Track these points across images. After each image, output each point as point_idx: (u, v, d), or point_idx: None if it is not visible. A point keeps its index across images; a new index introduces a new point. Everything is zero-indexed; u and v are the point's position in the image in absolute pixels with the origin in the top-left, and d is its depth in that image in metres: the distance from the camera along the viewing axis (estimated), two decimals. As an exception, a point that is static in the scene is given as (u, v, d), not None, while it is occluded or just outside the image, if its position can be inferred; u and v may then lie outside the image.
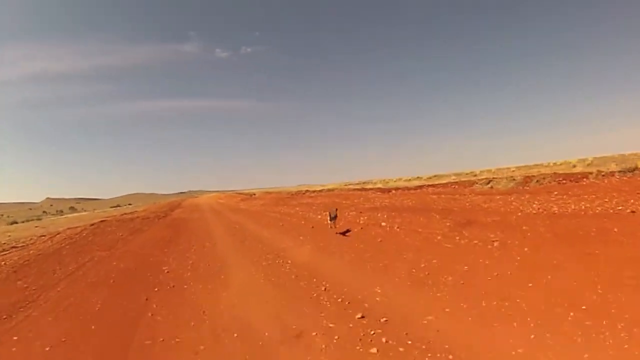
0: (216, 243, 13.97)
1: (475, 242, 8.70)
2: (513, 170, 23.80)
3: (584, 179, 13.53)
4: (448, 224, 10.86)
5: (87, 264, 12.23)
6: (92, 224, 26.72)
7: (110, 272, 10.34)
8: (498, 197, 13.45)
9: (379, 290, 6.95)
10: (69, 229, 25.45)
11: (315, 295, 7.23)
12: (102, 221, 29.04)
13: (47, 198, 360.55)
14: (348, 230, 12.89)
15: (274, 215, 21.43)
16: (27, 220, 69.02)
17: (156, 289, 8.41)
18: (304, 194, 32.89)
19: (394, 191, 19.18)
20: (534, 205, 10.84)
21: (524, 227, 8.80)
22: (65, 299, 8.12)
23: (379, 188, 22.03)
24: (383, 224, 12.56)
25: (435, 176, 31.32)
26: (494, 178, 17.37)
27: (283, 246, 12.05)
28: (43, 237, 21.41)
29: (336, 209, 14.76)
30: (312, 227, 14.75)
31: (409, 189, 19.34)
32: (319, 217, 16.80)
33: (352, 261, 9.34)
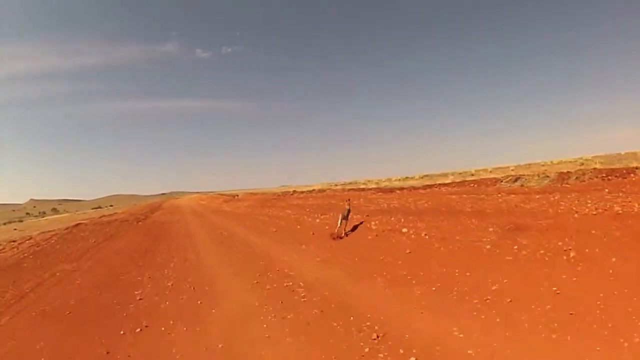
0: (200, 254, 12.07)
1: (541, 252, 6.88)
2: (512, 169, 22.52)
3: (631, 175, 12.01)
4: (491, 229, 9.03)
5: (46, 281, 10.27)
6: (67, 228, 24.62)
7: (69, 297, 8.41)
8: (537, 197, 11.72)
9: (462, 336, 4.94)
10: (42, 233, 23.27)
11: (368, 351, 4.92)
12: (77, 225, 26.92)
13: (31, 199, 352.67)
14: (360, 237, 11.19)
15: (263, 218, 19.60)
16: (9, 222, 66.36)
17: (122, 332, 6.28)
18: (291, 194, 31.04)
19: (398, 191, 17.59)
20: (589, 205, 9.11)
21: (593, 232, 7.09)
22: None
23: (377, 188, 20.37)
24: (404, 230, 10.81)
25: (426, 176, 29.98)
26: (520, 175, 15.81)
27: (285, 259, 10.20)
28: (13, 243, 19.30)
29: (348, 208, 12.91)
30: (313, 233, 12.99)
31: (415, 188, 17.72)
32: (317, 220, 15.06)
33: (390, 283, 7.33)
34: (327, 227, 13.37)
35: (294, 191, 32.61)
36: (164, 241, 15.58)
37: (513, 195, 12.68)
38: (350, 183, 41.27)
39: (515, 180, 15.89)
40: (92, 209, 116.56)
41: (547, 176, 15.34)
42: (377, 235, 11.06)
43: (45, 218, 62.47)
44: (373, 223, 12.43)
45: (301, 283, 7.96)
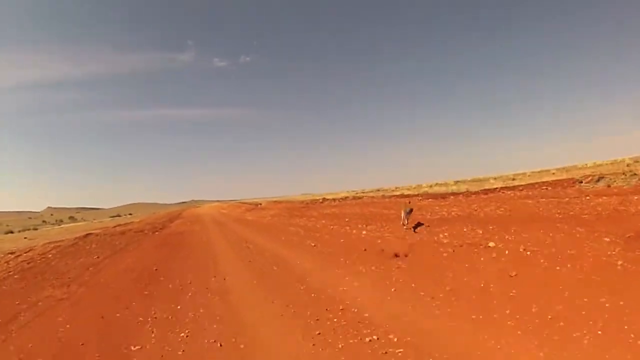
0: (226, 278, 9.19)
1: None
2: (529, 175, 19.28)
3: None
4: (607, 239, 6.63)
5: (19, 316, 7.54)
6: (75, 239, 22.12)
7: (38, 352, 5.65)
8: (636, 198, 8.94)
9: None
10: (45, 244, 20.89)
11: None
12: (87, 235, 24.42)
13: (48, 207, 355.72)
14: (432, 254, 8.33)
15: (295, 230, 16.71)
16: (24, 230, 65.23)
17: None
18: (321, 202, 28.13)
19: (452, 197, 14.57)
20: None
21: None
22: None
23: (427, 193, 17.31)
24: (491, 244, 7.86)
25: (477, 180, 27.04)
26: (603, 175, 12.69)
27: (342, 288, 7.27)
28: (9, 256, 16.88)
29: (410, 206, 12.06)
30: (364, 249, 10.00)
31: (473, 193, 14.62)
32: (363, 232, 12.09)
33: (533, 333, 4.52)
34: (379, 241, 10.53)
35: (324, 199, 29.65)
36: (180, 256, 12.83)
37: (604, 198, 10.01)
38: (378, 190, 38.23)
39: (598, 180, 12.80)
40: (111, 217, 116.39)
41: (635, 174, 12.41)
42: (453, 251, 8.19)
43: (61, 226, 61.31)
44: (442, 235, 9.49)
45: (392, 337, 4.96)
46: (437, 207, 13.40)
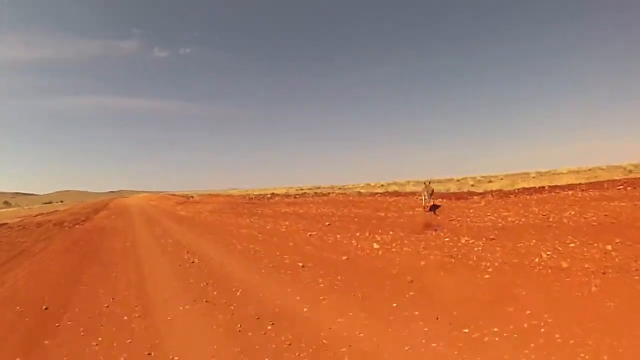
0: (161, 336, 5.37)
1: None
2: (502, 178, 17.61)
3: None
4: None
5: None
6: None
7: None
8: None
9: None
10: None
11: None
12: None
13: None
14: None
15: (250, 233, 13.09)
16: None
17: None
18: (270, 198, 24.41)
19: (476, 197, 11.53)
20: None
21: None
22: None
23: (441, 193, 13.72)
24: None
25: (394, 183, 24.97)
26: None
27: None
28: None
29: (431, 187, 11.67)
30: (411, 280, 6.54)
31: (511, 193, 11.47)
32: (374, 246, 8.91)
33: None
34: (396, 261, 7.63)
35: (273, 194, 26.02)
36: (91, 276, 8.77)
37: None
38: (319, 187, 35.38)
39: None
40: (43, 203, 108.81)
41: None
42: (597, 284, 5.32)
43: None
44: (544, 255, 6.60)
45: None
46: (470, 210, 10.44)
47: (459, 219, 9.90)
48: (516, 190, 11.52)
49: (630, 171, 13.11)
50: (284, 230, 12.72)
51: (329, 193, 18.39)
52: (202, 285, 7.42)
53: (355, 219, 11.99)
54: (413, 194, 13.66)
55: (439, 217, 10.39)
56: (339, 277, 7.13)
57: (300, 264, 8.26)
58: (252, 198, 27.24)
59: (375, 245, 8.88)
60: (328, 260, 8.45)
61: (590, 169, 16.59)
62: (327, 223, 12.07)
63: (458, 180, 21.35)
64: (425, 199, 11.52)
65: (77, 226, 20.72)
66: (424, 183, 12.82)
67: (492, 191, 12.01)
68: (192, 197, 44.57)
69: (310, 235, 11.13)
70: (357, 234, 10.27)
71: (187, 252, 10.89)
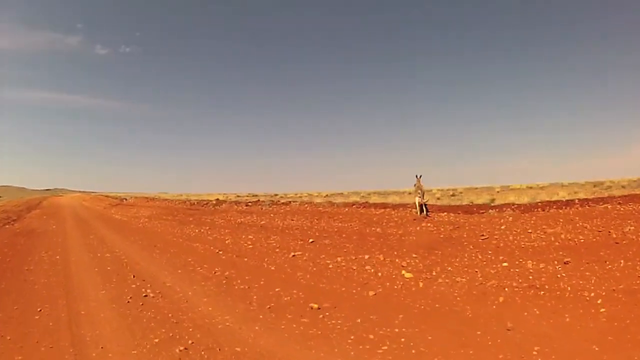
0: None
1: None
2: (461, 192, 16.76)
3: None
4: None
5: None
6: None
7: None
8: None
9: None
10: None
11: None
12: None
13: None
14: None
15: (204, 248, 10.38)
16: None
17: None
18: (216, 205, 21.16)
19: (492, 211, 9.69)
20: None
21: None
22: None
23: (450, 206, 11.56)
24: None
25: (340, 194, 23.52)
26: None
27: None
28: None
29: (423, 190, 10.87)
30: (510, 328, 4.43)
31: (546, 205, 9.93)
32: (408, 275, 6.79)
33: None
34: (457, 297, 5.79)
35: (218, 200, 22.82)
36: (7, 311, 5.76)
37: None
38: (257, 194, 32.76)
39: None
40: None
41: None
42: None
43: None
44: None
45: None
46: (501, 227, 8.47)
47: (495, 237, 8.13)
48: (540, 204, 10.04)
49: (623, 187, 12.46)
50: (250, 247, 10.16)
51: (289, 202, 15.95)
52: (176, 350, 4.57)
53: (344, 235, 9.79)
54: (404, 206, 11.74)
55: (460, 234, 8.60)
56: (388, 330, 4.78)
57: (314, 306, 5.74)
58: (193, 204, 23.90)
59: (407, 274, 6.76)
60: (349, 297, 6.14)
61: (580, 184, 15.95)
62: (310, 240, 9.69)
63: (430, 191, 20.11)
64: (418, 197, 10.69)
65: (6, 226, 17.92)
66: (416, 176, 11.40)
67: (510, 204, 10.43)
68: (125, 199, 39.64)
69: (294, 256, 8.72)
70: (365, 256, 8.08)
71: (134, 276, 7.99)
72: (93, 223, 20.64)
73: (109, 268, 9.04)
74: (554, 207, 9.63)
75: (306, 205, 14.73)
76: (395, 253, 8.04)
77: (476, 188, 19.94)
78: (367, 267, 7.51)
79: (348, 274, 7.37)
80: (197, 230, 14.30)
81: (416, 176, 11.50)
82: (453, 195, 17.14)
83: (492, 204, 10.58)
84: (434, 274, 6.91)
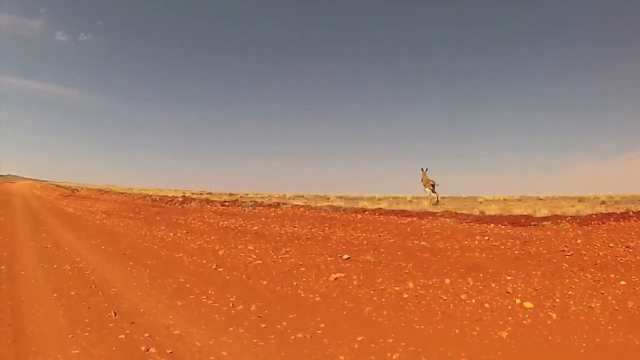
0: None
1: None
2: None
3: None
4: None
5: None
6: None
7: None
8: None
9: None
10: None
11: None
12: None
13: None
14: None
15: (191, 260, 7.48)
16: None
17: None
18: (183, 204, 17.56)
19: (532, 226, 7.72)
20: None
21: None
22: None
23: (479, 216, 9.16)
24: None
25: (299, 196, 21.40)
26: None
27: None
28: None
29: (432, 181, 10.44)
30: None
31: (595, 219, 8.00)
32: (556, 318, 4.49)
33: None
34: None
35: (184, 197, 19.17)
36: None
37: None
38: (210, 193, 29.60)
39: None
40: None
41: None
42: None
43: None
44: None
45: None
46: (577, 241, 6.45)
47: (582, 252, 6.14)
48: (595, 216, 8.29)
49: (616, 202, 11.41)
50: (259, 262, 7.38)
51: (278, 204, 13.16)
52: None
53: (382, 250, 7.32)
54: (432, 214, 9.51)
55: (536, 249, 6.58)
56: None
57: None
58: (154, 200, 20.06)
59: (525, 304, 4.69)
60: (480, 345, 4.01)
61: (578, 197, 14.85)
62: (344, 256, 7.10)
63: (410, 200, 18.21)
64: (429, 188, 10.37)
65: None
66: (422, 169, 11.19)
67: (560, 216, 8.58)
68: (77, 190, 34.12)
69: (336, 279, 6.11)
70: (445, 280, 5.69)
71: (115, 314, 4.96)
72: (45, 217, 16.71)
73: (73, 293, 5.90)
74: (611, 219, 8.00)
75: (302, 209, 12.07)
76: (481, 275, 5.78)
77: (464, 197, 18.61)
78: (462, 297, 5.22)
79: (443, 307, 5.02)
80: (171, 234, 11.10)
81: (422, 169, 11.52)
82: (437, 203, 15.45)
83: (538, 215, 8.79)
84: (557, 300, 4.92)
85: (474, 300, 5.22)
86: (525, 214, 9.82)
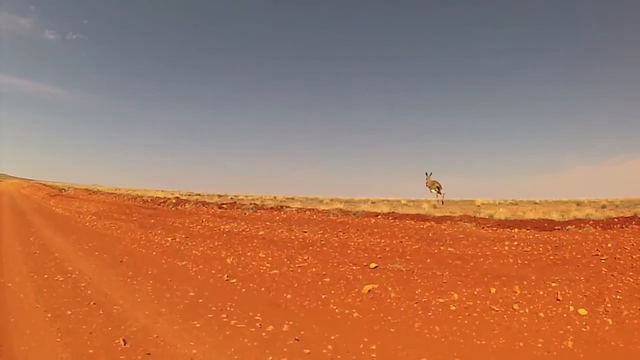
0: None
1: None
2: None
3: None
4: None
5: None
6: None
7: None
8: None
9: None
10: None
11: None
12: None
13: None
14: None
15: (197, 270, 6.55)
16: None
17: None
18: (175, 204, 16.42)
19: (568, 228, 7.12)
20: None
21: None
22: None
23: (499, 221, 8.42)
24: None
25: (289, 198, 20.67)
26: None
27: None
28: None
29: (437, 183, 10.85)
30: None
31: (618, 222, 7.37)
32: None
33: None
34: None
35: (177, 199, 17.93)
36: None
37: None
38: (199, 194, 28.42)
39: None
40: None
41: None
42: None
43: None
44: None
45: None
46: (605, 249, 5.88)
47: (616, 256, 5.61)
48: (616, 220, 7.72)
49: (617, 206, 11.08)
50: (275, 272, 6.50)
51: (281, 206, 12.24)
52: None
53: (408, 257, 6.55)
54: (446, 218, 8.82)
55: (570, 254, 6.01)
56: None
57: None
58: (146, 201, 18.77)
59: (580, 310, 4.33)
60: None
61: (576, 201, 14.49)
62: (371, 264, 6.30)
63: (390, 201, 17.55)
64: (435, 190, 10.56)
65: None
66: (426, 174, 11.38)
67: (582, 220, 7.99)
68: (64, 189, 32.13)
69: (370, 291, 5.30)
70: (490, 290, 5.02)
71: (124, 341, 4.05)
72: (32, 218, 15.57)
73: (69, 313, 4.93)
74: (633, 223, 7.52)
75: (307, 212, 11.20)
76: (525, 283, 5.13)
77: (456, 201, 18.12)
78: (514, 307, 4.62)
79: (497, 319, 4.44)
80: (170, 239, 10.09)
81: (426, 174, 11.65)
82: (434, 207, 14.88)
83: (563, 219, 8.23)
84: (608, 305, 4.49)
85: (527, 310, 4.67)
86: (537, 218, 9.31)
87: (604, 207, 11.90)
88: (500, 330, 4.28)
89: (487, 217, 9.36)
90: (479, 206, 14.60)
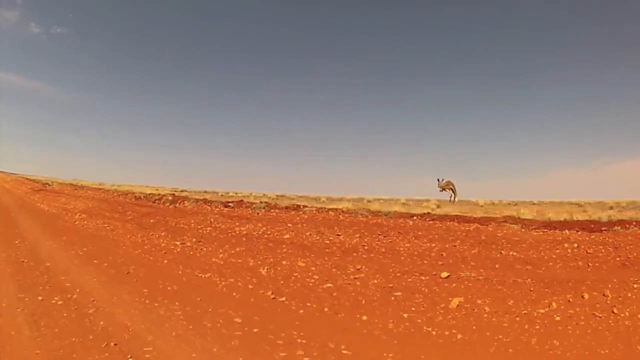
0: None
1: None
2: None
3: None
4: None
5: None
6: None
7: None
8: None
9: None
10: None
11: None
12: None
13: None
14: None
15: (220, 291, 5.19)
16: None
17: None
18: (172, 202, 14.51)
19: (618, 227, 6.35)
20: None
21: None
22: None
23: (544, 221, 7.04)
24: None
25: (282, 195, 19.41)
26: None
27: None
28: None
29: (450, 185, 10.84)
30: None
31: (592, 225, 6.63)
32: None
33: None
34: None
35: (174, 196, 16.00)
36: None
37: None
38: (182, 190, 26.59)
39: None
40: None
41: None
42: None
43: None
44: None
45: None
46: None
47: None
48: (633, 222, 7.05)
49: (623, 207, 10.57)
50: (329, 286, 5.23)
51: (298, 206, 10.80)
52: None
53: (473, 264, 5.46)
54: (489, 219, 7.80)
55: (635, 256, 5.24)
56: None
57: None
58: (139, 198, 16.73)
59: None
60: None
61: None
62: (441, 274, 5.08)
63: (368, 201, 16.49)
64: (449, 191, 10.61)
65: None
66: (438, 180, 11.65)
67: (626, 221, 7.22)
68: (48, 184, 28.90)
69: (459, 305, 4.17)
70: (583, 296, 4.33)
71: None
72: (17, 215, 13.70)
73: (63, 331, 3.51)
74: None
75: (330, 213, 9.88)
76: (610, 286, 4.53)
77: (460, 201, 17.24)
78: (615, 311, 4.05)
79: (605, 326, 3.90)
80: (178, 243, 8.52)
81: (438, 180, 11.87)
82: (438, 207, 14.00)
83: (610, 220, 7.47)
84: None
85: (627, 313, 4.01)
86: (562, 219, 8.56)
87: (611, 208, 11.42)
88: (613, 337, 3.66)
89: (531, 218, 8.46)
90: (482, 206, 13.88)
